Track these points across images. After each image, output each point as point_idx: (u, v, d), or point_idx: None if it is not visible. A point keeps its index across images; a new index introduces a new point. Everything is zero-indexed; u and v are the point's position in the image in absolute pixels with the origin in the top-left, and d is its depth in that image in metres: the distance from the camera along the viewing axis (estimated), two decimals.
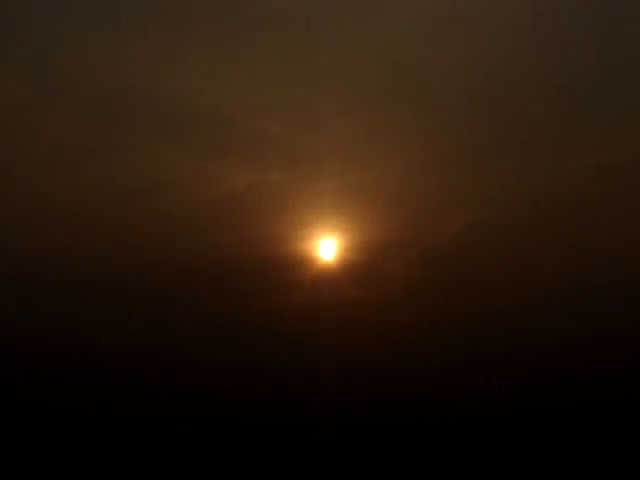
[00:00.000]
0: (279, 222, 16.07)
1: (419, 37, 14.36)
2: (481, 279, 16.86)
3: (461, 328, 17.04)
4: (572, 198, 16.06)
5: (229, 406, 17.14)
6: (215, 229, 16.27)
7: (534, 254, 16.63)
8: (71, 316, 16.75)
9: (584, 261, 16.63)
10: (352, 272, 16.54)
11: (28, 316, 16.66)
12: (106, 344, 16.89)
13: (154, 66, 14.55)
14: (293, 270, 16.49)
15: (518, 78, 14.82)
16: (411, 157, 15.75)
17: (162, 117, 15.10)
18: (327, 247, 16.39)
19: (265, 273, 16.55)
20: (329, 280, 16.53)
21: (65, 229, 16.14)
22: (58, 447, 16.96)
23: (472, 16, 14.16)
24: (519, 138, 15.54)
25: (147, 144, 15.37)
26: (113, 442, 17.05)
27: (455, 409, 17.12)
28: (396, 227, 16.31)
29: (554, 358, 17.05)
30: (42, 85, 14.72)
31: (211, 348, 17.02)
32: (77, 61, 14.46)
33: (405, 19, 14.18)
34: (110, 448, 17.03)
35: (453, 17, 14.19)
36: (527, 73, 14.78)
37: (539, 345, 17.06)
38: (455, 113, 15.21)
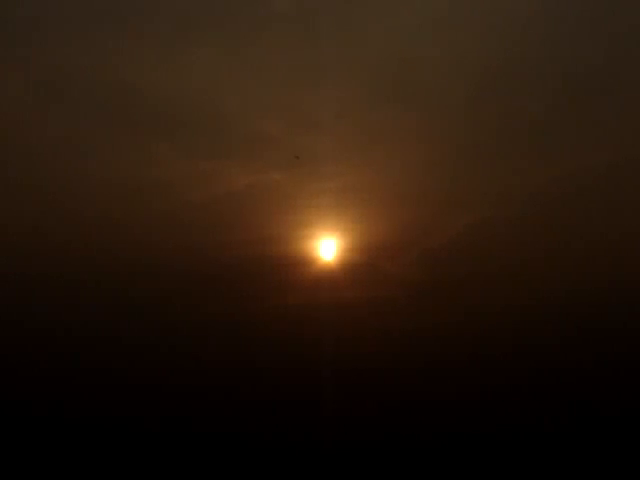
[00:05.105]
0: (279, 222, 16.09)
1: (419, 38, 14.38)
2: (481, 279, 16.87)
3: (461, 328, 17.04)
4: (572, 198, 16.07)
5: (229, 406, 17.14)
6: (215, 229, 16.29)
7: (534, 254, 16.63)
8: (71, 316, 16.75)
9: (584, 261, 16.63)
10: (352, 272, 16.55)
11: (28, 316, 16.66)
12: (106, 344, 16.89)
13: (154, 66, 14.57)
14: (293, 270, 16.50)
15: (518, 79, 14.83)
16: (411, 157, 15.77)
17: (162, 117, 15.13)
18: (327, 247, 16.40)
19: (265, 273, 16.56)
20: (329, 280, 16.54)
21: (65, 229, 16.15)
22: (58, 447, 16.96)
23: (472, 17, 14.17)
24: (519, 138, 15.55)
25: (147, 144, 15.39)
26: (113, 442, 17.06)
27: (455, 409, 17.12)
28: (396, 227, 16.32)
29: (554, 358, 17.05)
30: (42, 85, 14.73)
31: (211, 348, 17.03)
32: (77, 61, 14.48)
33: (405, 20, 14.19)
34: (110, 448, 17.03)
35: (453, 18, 14.20)
36: (527, 74, 14.80)
37: (539, 345, 17.06)
38: (455, 113, 15.22)
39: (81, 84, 14.75)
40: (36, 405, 17.05)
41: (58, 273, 16.50)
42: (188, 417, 17.14)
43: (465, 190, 16.01)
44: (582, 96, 15.03)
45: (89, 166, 15.56)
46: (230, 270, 16.60)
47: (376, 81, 14.81)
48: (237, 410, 17.19)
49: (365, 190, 15.89)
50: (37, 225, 16.05)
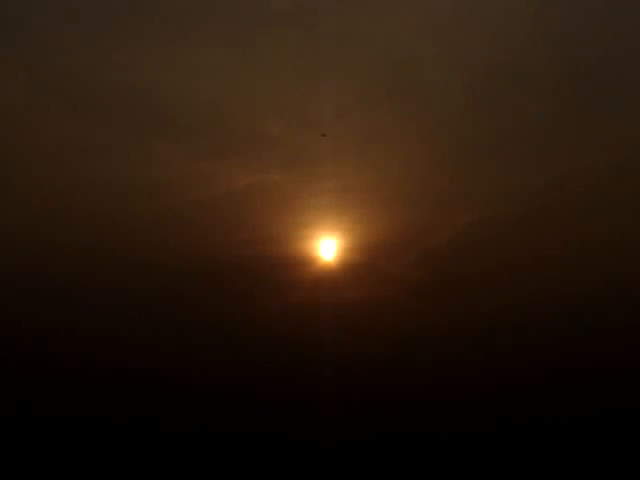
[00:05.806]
0: (279, 222, 16.09)
1: (419, 38, 14.38)
2: (481, 279, 16.87)
3: (461, 328, 17.05)
4: (572, 198, 16.07)
5: (229, 406, 17.15)
6: (215, 229, 16.29)
7: (534, 254, 16.64)
8: (72, 316, 16.76)
9: (584, 261, 16.64)
10: (352, 272, 16.55)
11: (28, 316, 16.67)
12: (107, 344, 16.89)
13: (154, 66, 14.57)
14: (293, 270, 16.50)
15: (518, 79, 14.83)
16: (411, 157, 15.78)
17: (162, 117, 15.13)
18: (327, 247, 16.40)
19: (265, 273, 16.56)
20: (329, 280, 16.54)
21: (66, 228, 16.15)
22: (59, 447, 16.96)
23: (472, 17, 14.18)
24: (519, 138, 15.56)
25: (147, 144, 15.39)
26: (112, 442, 17.06)
27: (455, 409, 17.13)
28: (396, 227, 16.32)
29: (554, 358, 17.05)
30: (42, 85, 14.74)
31: (211, 348, 17.03)
32: (77, 61, 14.48)
33: (405, 20, 14.20)
34: (109, 448, 17.03)
35: (453, 18, 14.21)
36: (527, 74, 14.80)
37: (539, 345, 17.07)
38: (455, 113, 15.22)
39: (81, 84, 14.75)
40: (36, 405, 17.05)
41: (58, 273, 16.50)
42: (188, 417, 17.13)
43: (465, 190, 16.01)
44: (582, 96, 15.04)
45: (89, 166, 15.56)
46: (230, 270, 16.60)
47: (376, 81, 14.81)
48: (237, 410, 17.19)
49: (365, 190, 15.90)
50: (37, 225, 16.05)
